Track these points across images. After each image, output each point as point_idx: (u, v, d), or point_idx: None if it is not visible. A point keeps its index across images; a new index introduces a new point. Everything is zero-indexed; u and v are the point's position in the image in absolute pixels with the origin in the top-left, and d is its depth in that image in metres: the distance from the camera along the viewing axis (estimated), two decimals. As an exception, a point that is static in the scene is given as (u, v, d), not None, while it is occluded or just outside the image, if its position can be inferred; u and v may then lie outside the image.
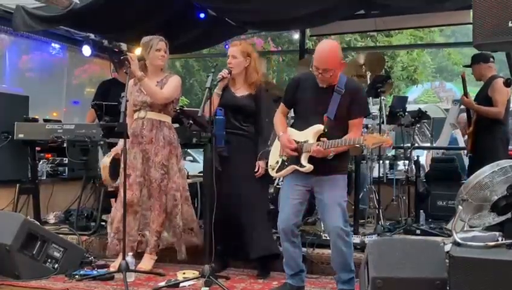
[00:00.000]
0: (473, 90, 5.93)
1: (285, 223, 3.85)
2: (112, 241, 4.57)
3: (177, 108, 4.77)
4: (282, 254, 4.04)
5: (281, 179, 4.58)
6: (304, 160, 3.77)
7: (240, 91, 4.56)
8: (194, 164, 11.96)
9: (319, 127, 3.75)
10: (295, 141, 3.81)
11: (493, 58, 5.60)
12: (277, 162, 3.97)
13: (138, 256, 4.59)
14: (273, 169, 4.02)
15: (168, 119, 4.65)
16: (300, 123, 3.91)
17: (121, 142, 4.88)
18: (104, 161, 4.98)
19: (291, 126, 4.02)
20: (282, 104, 4.06)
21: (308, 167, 3.75)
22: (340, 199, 3.79)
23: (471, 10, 2.99)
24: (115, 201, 4.96)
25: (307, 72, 3.98)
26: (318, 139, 3.74)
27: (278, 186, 5.14)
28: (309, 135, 3.78)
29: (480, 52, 5.34)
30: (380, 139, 3.60)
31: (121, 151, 4.85)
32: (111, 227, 4.65)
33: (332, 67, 3.68)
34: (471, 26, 3.02)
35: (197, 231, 4.76)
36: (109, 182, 4.98)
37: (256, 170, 4.42)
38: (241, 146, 4.49)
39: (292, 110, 4.10)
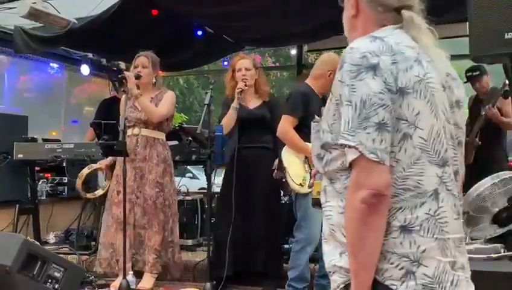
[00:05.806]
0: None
1: (317, 240, 3.74)
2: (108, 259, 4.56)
3: (177, 125, 4.76)
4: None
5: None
6: None
7: (253, 103, 4.54)
8: (194, 181, 11.94)
9: None
10: None
11: None
12: (304, 179, 3.82)
13: (139, 275, 4.55)
14: (302, 186, 3.83)
15: (162, 136, 4.60)
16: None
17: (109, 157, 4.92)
18: (83, 171, 5.16)
19: None
20: (294, 117, 3.93)
21: None
22: None
23: (468, 23, 3.00)
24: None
25: (303, 86, 4.08)
26: None
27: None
28: None
29: (477, 64, 5.32)
30: None
31: (105, 166, 4.91)
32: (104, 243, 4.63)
33: None
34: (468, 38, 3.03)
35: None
36: (81, 190, 5.16)
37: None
38: (262, 159, 4.43)
39: None
